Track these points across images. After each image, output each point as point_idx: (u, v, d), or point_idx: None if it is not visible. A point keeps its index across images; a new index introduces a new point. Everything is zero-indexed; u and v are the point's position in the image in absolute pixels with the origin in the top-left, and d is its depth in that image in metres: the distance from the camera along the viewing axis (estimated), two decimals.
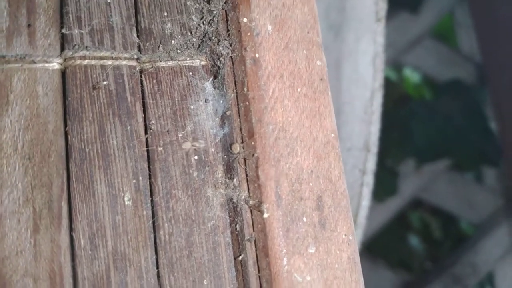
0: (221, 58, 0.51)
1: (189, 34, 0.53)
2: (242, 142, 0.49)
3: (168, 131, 0.50)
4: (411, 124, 2.14)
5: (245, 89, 0.50)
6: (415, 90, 2.34)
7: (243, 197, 0.49)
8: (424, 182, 2.12)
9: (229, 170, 0.50)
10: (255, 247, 0.48)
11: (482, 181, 2.16)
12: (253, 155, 0.49)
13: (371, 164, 0.93)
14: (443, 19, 2.26)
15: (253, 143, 0.49)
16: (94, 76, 0.50)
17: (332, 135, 0.52)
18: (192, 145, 0.49)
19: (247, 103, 0.49)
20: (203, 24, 0.53)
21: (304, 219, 0.48)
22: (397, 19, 2.04)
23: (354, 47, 1.03)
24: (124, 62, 0.50)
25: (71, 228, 0.46)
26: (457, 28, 2.28)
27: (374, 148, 0.94)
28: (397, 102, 2.18)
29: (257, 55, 0.50)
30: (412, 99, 2.30)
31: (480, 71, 2.19)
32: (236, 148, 0.50)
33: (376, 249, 2.00)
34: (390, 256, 2.12)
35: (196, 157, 0.50)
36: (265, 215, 0.47)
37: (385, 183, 1.89)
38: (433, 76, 2.23)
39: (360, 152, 0.94)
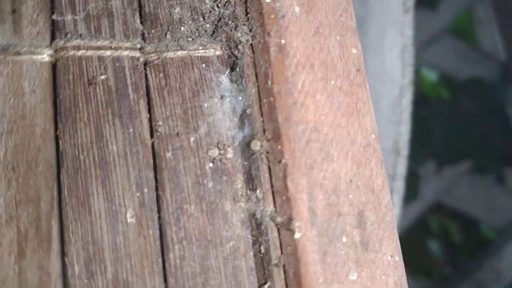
0: (239, 46, 0.43)
1: (201, 19, 0.45)
2: (267, 142, 0.41)
3: (178, 133, 0.42)
4: (430, 126, 2.09)
5: (269, 82, 0.41)
6: (432, 90, 2.27)
7: (268, 212, 0.41)
8: (444, 185, 2.07)
9: (251, 180, 0.42)
10: (285, 273, 0.40)
11: (504, 183, 2.10)
12: (280, 161, 0.40)
13: (402, 168, 0.85)
14: (461, 15, 2.19)
15: (279, 146, 0.40)
16: (90, 69, 0.42)
17: (373, 136, 0.44)
18: (220, 153, 0.41)
19: (272, 98, 0.41)
20: (218, 7, 0.45)
21: (344, 239, 0.40)
22: (414, 16, 1.98)
23: (378, 41, 0.95)
24: (125, 53, 0.43)
25: (63, 252, 0.38)
26: (476, 25, 2.21)
27: (404, 150, 0.85)
28: (414, 103, 2.12)
29: (283, 41, 0.41)
30: (429, 99, 2.24)
31: (503, 69, 2.12)
32: (256, 145, 0.41)
33: None
34: (410, 262, 2.04)
35: (211, 165, 0.42)
36: (297, 235, 0.39)
37: (406, 187, 1.83)
38: (451, 75, 2.17)
39: (389, 156, 0.86)
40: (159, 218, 0.40)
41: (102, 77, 0.42)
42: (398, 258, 0.42)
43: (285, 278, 0.39)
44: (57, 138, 0.40)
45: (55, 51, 0.42)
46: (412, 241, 2.05)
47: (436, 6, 2.10)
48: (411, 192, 1.97)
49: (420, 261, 2.06)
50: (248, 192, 0.42)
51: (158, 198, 0.41)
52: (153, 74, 0.43)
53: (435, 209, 2.08)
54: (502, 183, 2.07)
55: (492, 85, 2.13)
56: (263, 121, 0.42)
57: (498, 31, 2.10)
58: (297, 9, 0.43)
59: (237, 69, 0.44)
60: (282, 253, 0.40)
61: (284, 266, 0.40)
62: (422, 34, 2.08)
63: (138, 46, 0.43)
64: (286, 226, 0.39)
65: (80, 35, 0.42)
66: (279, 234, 0.40)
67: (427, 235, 2.12)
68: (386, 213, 0.42)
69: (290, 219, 0.39)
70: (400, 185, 0.85)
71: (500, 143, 2.09)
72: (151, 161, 0.41)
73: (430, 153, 2.03)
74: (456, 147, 2.05)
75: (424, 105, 2.13)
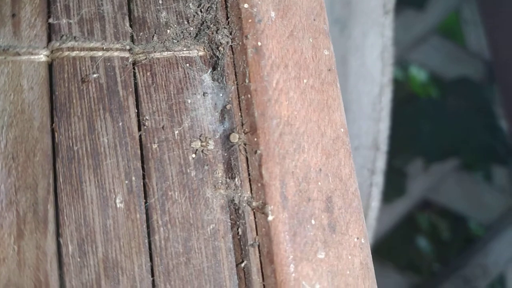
0: (220, 48, 0.47)
1: (185, 22, 0.49)
2: (244, 135, 0.45)
3: (163, 127, 0.46)
4: (419, 123, 2.11)
5: (247, 81, 0.46)
6: (421, 89, 2.30)
7: (245, 198, 0.45)
8: (432, 182, 2.10)
9: (230, 169, 0.46)
10: (259, 252, 0.44)
11: (492, 180, 2.13)
12: (256, 152, 0.44)
13: (381, 163, 0.89)
14: (449, 16, 2.22)
15: (255, 138, 0.45)
16: (83, 68, 0.46)
17: (342, 130, 0.48)
18: (202, 145, 0.45)
19: (249, 95, 0.45)
20: (201, 11, 0.49)
21: (313, 221, 0.44)
22: (403, 16, 2.01)
23: (360, 42, 0.99)
24: (115, 54, 0.46)
25: (58, 233, 0.42)
26: (463, 25, 2.25)
27: (383, 146, 0.90)
28: (403, 101, 2.15)
29: (259, 44, 0.46)
30: (418, 98, 2.27)
31: (489, 69, 2.16)
32: (235, 137, 0.45)
33: (384, 251, 1.96)
34: (398, 258, 2.08)
35: (194, 156, 0.46)
36: (270, 218, 0.43)
37: (393, 184, 1.86)
38: (440, 74, 2.20)
39: (368, 151, 0.90)
40: (146, 203, 0.44)
41: (94, 75, 0.46)
42: (364, 241, 0.47)
43: (260, 256, 0.44)
44: (53, 131, 0.44)
45: (51, 52, 0.46)
46: (401, 238, 2.08)
47: (424, 7, 2.12)
48: (399, 189, 2.00)
49: (409, 257, 2.08)
50: (228, 180, 0.46)
51: (145, 185, 0.45)
52: (141, 73, 0.47)
53: (424, 206, 2.11)
54: (489, 180, 2.10)
55: (479, 84, 2.16)
56: (241, 116, 0.46)
57: (484, 32, 2.14)
58: (273, 14, 0.47)
59: (218, 69, 0.48)
60: (257, 234, 0.44)
61: (259, 246, 0.44)
62: (411, 34, 2.12)
63: (128, 47, 0.47)
64: (261, 210, 0.43)
65: (74, 37, 0.46)
66: (255, 217, 0.45)
67: (416, 232, 2.15)
68: (353, 199, 0.47)
69: (264, 204, 0.43)
70: (379, 179, 0.89)
71: (487, 141, 2.11)
72: (139, 152, 0.45)
73: (418, 151, 2.05)
74: (444, 145, 2.07)
75: (413, 103, 2.16)
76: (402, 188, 2.02)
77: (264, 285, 0.43)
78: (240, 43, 0.46)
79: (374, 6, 0.99)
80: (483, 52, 2.17)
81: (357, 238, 0.46)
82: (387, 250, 1.96)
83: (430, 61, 2.18)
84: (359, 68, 0.99)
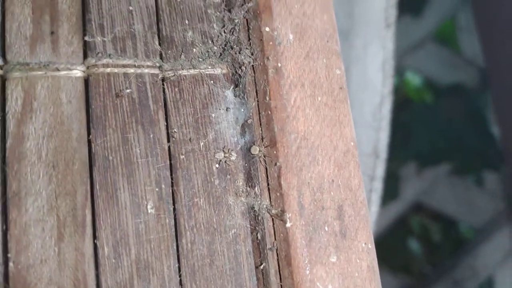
0: (242, 67, 0.52)
1: (210, 42, 0.53)
2: (264, 148, 0.49)
3: (190, 139, 0.50)
4: (412, 128, 2.15)
5: (267, 98, 0.50)
6: (416, 94, 2.34)
7: (264, 206, 0.49)
8: (425, 186, 2.13)
9: (250, 179, 0.51)
10: (277, 256, 0.48)
11: (483, 185, 2.17)
12: (275, 164, 0.49)
13: (380, 170, 0.94)
14: (445, 23, 2.26)
15: (275, 152, 0.49)
16: (117, 84, 0.50)
17: (352, 143, 0.52)
18: (225, 156, 0.49)
19: (269, 112, 0.50)
20: (224, 32, 0.53)
21: (326, 228, 0.48)
22: (399, 23, 2.04)
23: (362, 53, 1.03)
24: (146, 70, 0.50)
25: (94, 236, 0.46)
26: (459, 32, 2.29)
27: (383, 154, 0.94)
28: (398, 106, 2.19)
29: (279, 64, 0.50)
30: (413, 103, 2.31)
31: (482, 75, 2.20)
32: (256, 150, 0.50)
33: (377, 253, 1.99)
34: (391, 260, 2.13)
35: (217, 166, 0.50)
36: (288, 224, 0.47)
37: (387, 187, 1.90)
38: (434, 80, 2.24)
39: (368, 158, 0.95)
40: (174, 209, 0.48)
41: (127, 90, 0.50)
42: (371, 246, 0.51)
43: (278, 259, 0.48)
44: (89, 142, 0.48)
45: (87, 68, 0.50)
46: (393, 240, 2.12)
47: (421, 14, 2.16)
48: (393, 192, 2.04)
49: (400, 259, 2.12)
50: (248, 189, 0.50)
51: (173, 192, 0.49)
52: (170, 89, 0.51)
53: (416, 209, 2.15)
54: (480, 184, 2.14)
55: (473, 90, 2.20)
56: (261, 130, 0.51)
57: (479, 39, 2.18)
58: (291, 36, 0.52)
59: (240, 86, 0.52)
60: (275, 239, 0.48)
61: (277, 250, 0.48)
62: (407, 40, 2.16)
63: (158, 64, 0.51)
64: (279, 217, 0.48)
65: (109, 54, 0.50)
66: (273, 223, 0.49)
67: (408, 235, 2.19)
68: (362, 208, 0.51)
69: (283, 211, 0.48)
70: (378, 185, 0.94)
71: (479, 146, 2.15)
72: (168, 161, 0.49)
73: (411, 155, 2.09)
74: (437, 150, 2.11)
75: (408, 108, 2.20)
76: (395, 191, 2.05)
77: (281, 285, 0.47)
78: (261, 63, 0.51)
79: (376, 19, 1.03)
80: (477, 59, 2.22)
81: (365, 244, 0.50)
82: (380, 252, 2.00)
83: (425, 67, 2.22)
84: (360, 78, 1.03)
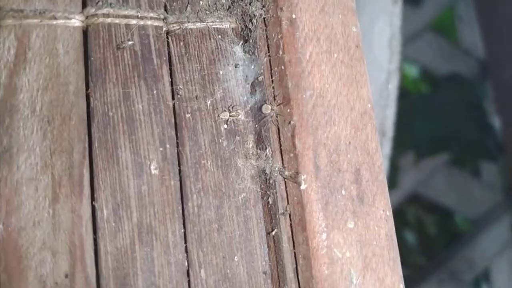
0: (253, 20, 0.48)
1: None
2: (277, 106, 0.46)
3: (196, 97, 0.46)
4: (410, 118, 2.13)
5: (281, 52, 0.46)
6: (412, 84, 2.32)
7: (276, 168, 0.46)
8: (422, 176, 2.12)
9: (261, 140, 0.47)
10: (290, 221, 0.45)
11: (480, 176, 2.16)
12: (289, 122, 0.45)
13: (387, 149, 0.91)
14: (444, 12, 2.24)
15: (289, 110, 0.45)
16: (118, 35, 0.46)
17: (369, 105, 0.49)
18: (231, 115, 0.45)
19: (283, 66, 0.46)
20: None
21: (343, 192, 0.45)
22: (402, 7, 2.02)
23: (368, 29, 1.00)
24: (149, 22, 0.47)
25: (93, 198, 0.42)
26: (458, 22, 2.27)
27: (389, 132, 0.91)
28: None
29: (293, 16, 0.46)
30: (410, 93, 2.29)
31: (481, 66, 2.18)
32: (267, 108, 0.46)
33: None
34: None
35: (226, 126, 0.47)
36: (303, 187, 0.44)
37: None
38: (432, 70, 2.22)
39: None
40: (180, 171, 0.45)
41: (129, 42, 0.46)
42: (389, 213, 0.48)
43: (291, 225, 0.44)
44: (88, 96, 0.44)
45: (86, 17, 0.46)
46: None
47: (419, 3, 2.14)
48: (391, 182, 2.02)
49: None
50: (258, 151, 0.47)
51: (178, 153, 0.45)
52: (175, 43, 0.47)
53: (412, 199, 2.13)
54: (477, 176, 2.13)
55: (471, 81, 2.18)
56: (273, 88, 0.47)
57: (479, 29, 2.16)
58: None
59: (250, 41, 0.48)
60: (288, 203, 0.45)
61: (290, 214, 0.45)
62: (404, 30, 2.13)
63: (162, 16, 0.47)
64: (294, 179, 0.44)
65: (110, 4, 0.46)
66: (286, 187, 0.45)
67: (404, 226, 2.18)
68: (379, 173, 0.48)
69: (297, 173, 0.44)
70: (384, 165, 0.91)
71: (476, 137, 2.14)
72: (173, 120, 0.45)
73: (409, 145, 2.07)
74: (434, 140, 2.09)
75: (405, 99, 2.18)
76: (393, 181, 2.04)
77: (295, 252, 0.44)
78: (274, 15, 0.47)
79: None
80: (476, 49, 2.20)
81: (383, 211, 0.47)
82: None
83: (422, 56, 2.20)
84: (366, 54, 1.00)
